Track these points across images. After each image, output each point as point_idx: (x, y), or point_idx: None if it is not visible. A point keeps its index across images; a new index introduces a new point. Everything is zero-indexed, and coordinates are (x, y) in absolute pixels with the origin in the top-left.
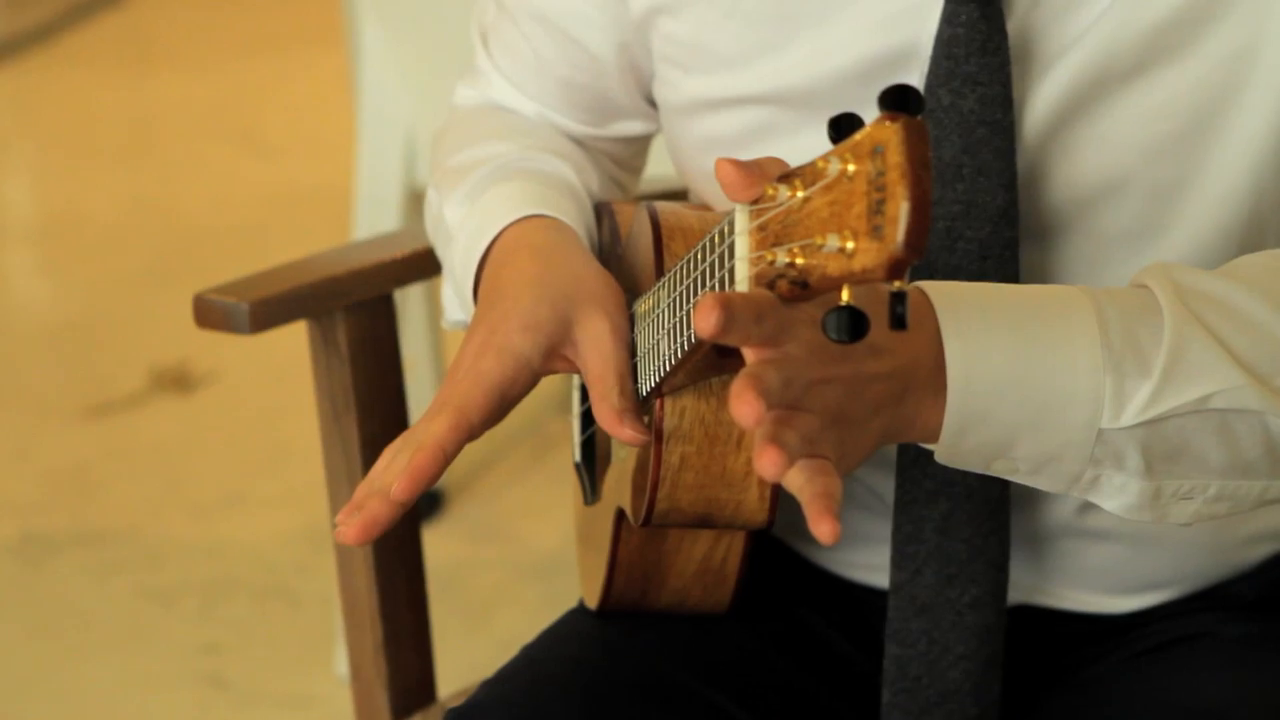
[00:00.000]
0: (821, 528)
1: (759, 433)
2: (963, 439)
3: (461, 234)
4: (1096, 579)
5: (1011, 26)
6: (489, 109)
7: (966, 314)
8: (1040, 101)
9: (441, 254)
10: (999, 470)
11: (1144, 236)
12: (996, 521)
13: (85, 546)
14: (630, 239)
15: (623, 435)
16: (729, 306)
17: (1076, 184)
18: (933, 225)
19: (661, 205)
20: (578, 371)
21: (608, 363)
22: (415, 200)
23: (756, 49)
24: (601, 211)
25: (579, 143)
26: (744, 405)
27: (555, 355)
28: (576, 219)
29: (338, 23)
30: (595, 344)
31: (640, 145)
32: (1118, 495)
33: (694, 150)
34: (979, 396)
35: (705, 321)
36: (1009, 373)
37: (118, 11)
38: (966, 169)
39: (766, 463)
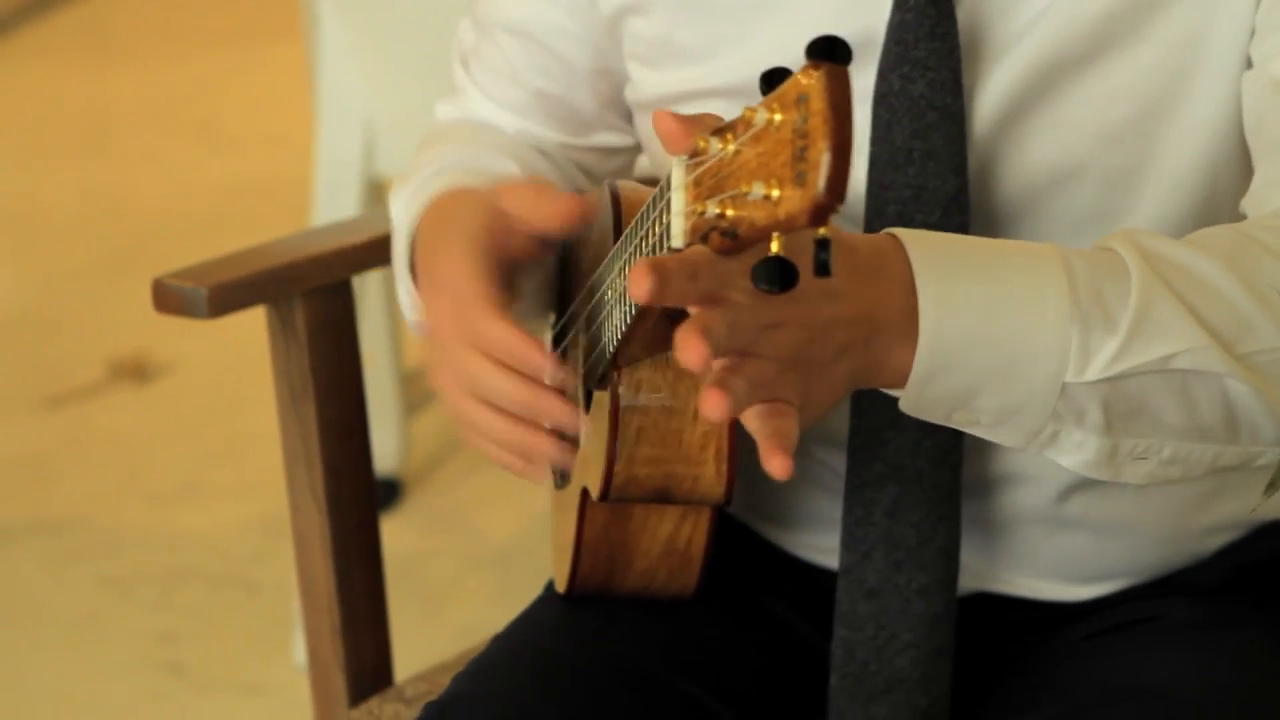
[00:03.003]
0: (773, 462)
1: (706, 378)
2: (929, 386)
3: (401, 228)
4: (1057, 567)
5: (961, 14)
6: (463, 122)
7: (940, 261)
8: (992, 89)
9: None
10: (960, 421)
11: (1099, 222)
12: (948, 508)
13: (42, 535)
14: (593, 216)
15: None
16: (660, 269)
17: (1030, 171)
18: (884, 210)
19: (623, 182)
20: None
21: (524, 191)
22: (374, 190)
23: (720, 43)
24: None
25: (551, 153)
26: (689, 349)
27: (504, 237)
28: None
29: (296, 15)
30: (522, 194)
31: (624, 159)
32: (1075, 451)
33: (664, 149)
34: (949, 343)
35: (639, 288)
36: (979, 322)
37: (77, 4)
38: (916, 153)
39: (708, 405)
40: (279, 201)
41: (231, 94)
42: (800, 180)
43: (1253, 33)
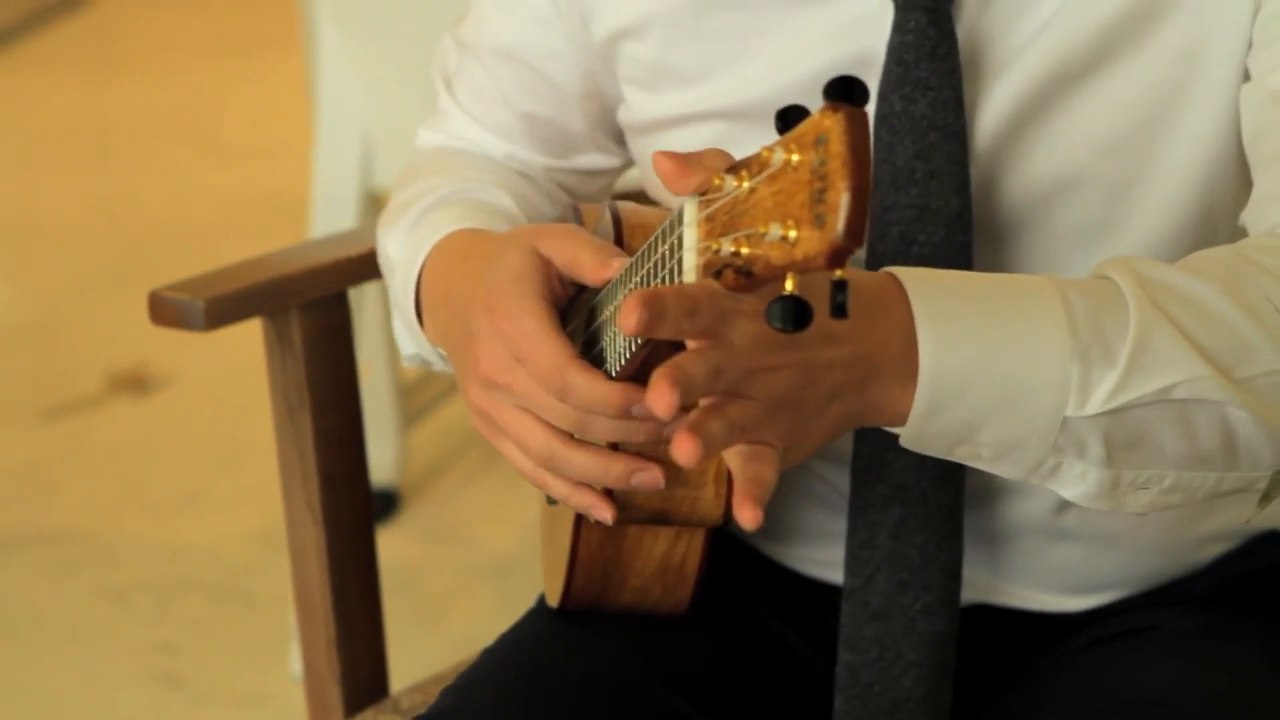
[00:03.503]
0: (743, 513)
1: (684, 420)
2: (929, 423)
3: (402, 264)
4: (1053, 579)
5: (961, 32)
6: (446, 150)
7: (939, 299)
8: (993, 105)
9: (389, 285)
10: (961, 455)
11: (1098, 234)
12: (950, 528)
13: (42, 546)
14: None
15: (607, 271)
16: (654, 304)
17: (1030, 183)
18: (887, 231)
19: (623, 204)
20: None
21: (577, 248)
22: (372, 202)
23: (716, 65)
24: (568, 213)
25: (536, 177)
26: (656, 395)
27: (553, 283)
28: None
29: (296, 26)
30: (561, 247)
31: (606, 180)
32: (1077, 483)
33: None
34: (948, 380)
35: (627, 320)
36: (979, 359)
37: (78, 16)
38: (919, 173)
39: (678, 449)
40: (279, 212)
41: (232, 105)
42: (819, 222)
43: (1250, 45)
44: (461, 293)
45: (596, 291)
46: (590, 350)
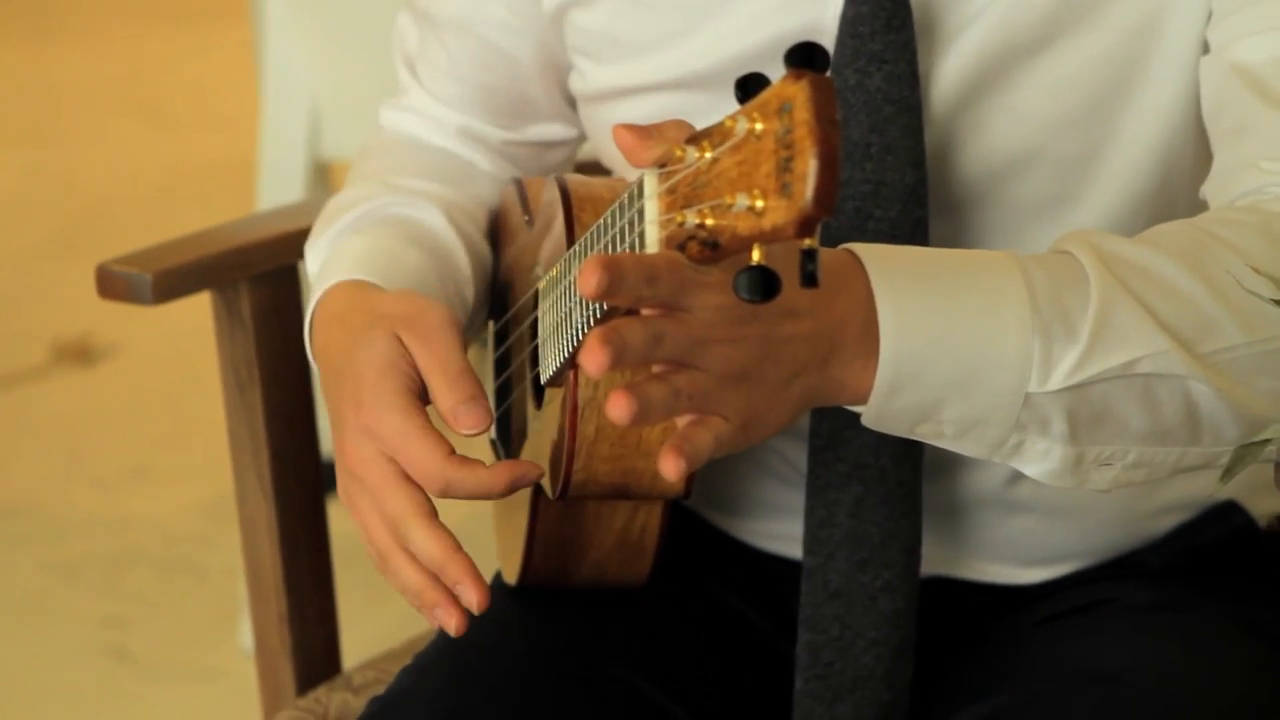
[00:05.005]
0: (666, 460)
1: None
2: (891, 401)
3: (315, 284)
4: (1009, 550)
5: (915, 1)
6: (397, 143)
7: (898, 277)
8: (946, 76)
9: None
10: (924, 434)
11: (1055, 208)
12: (909, 504)
13: None
14: (540, 211)
15: (461, 429)
16: (614, 268)
17: (986, 157)
18: (842, 206)
19: (570, 176)
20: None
21: (430, 363)
22: (319, 173)
23: (665, 35)
24: (513, 188)
25: (497, 149)
26: (588, 355)
27: (419, 381)
28: (416, 268)
29: None
30: (418, 352)
31: (565, 152)
32: (1040, 461)
33: (610, 137)
34: (910, 358)
35: (586, 283)
36: (940, 335)
37: None
38: (875, 148)
39: (610, 405)
40: (226, 182)
41: (178, 75)
42: (786, 191)
43: (1209, 16)
44: (333, 362)
45: (552, 271)
46: (542, 324)
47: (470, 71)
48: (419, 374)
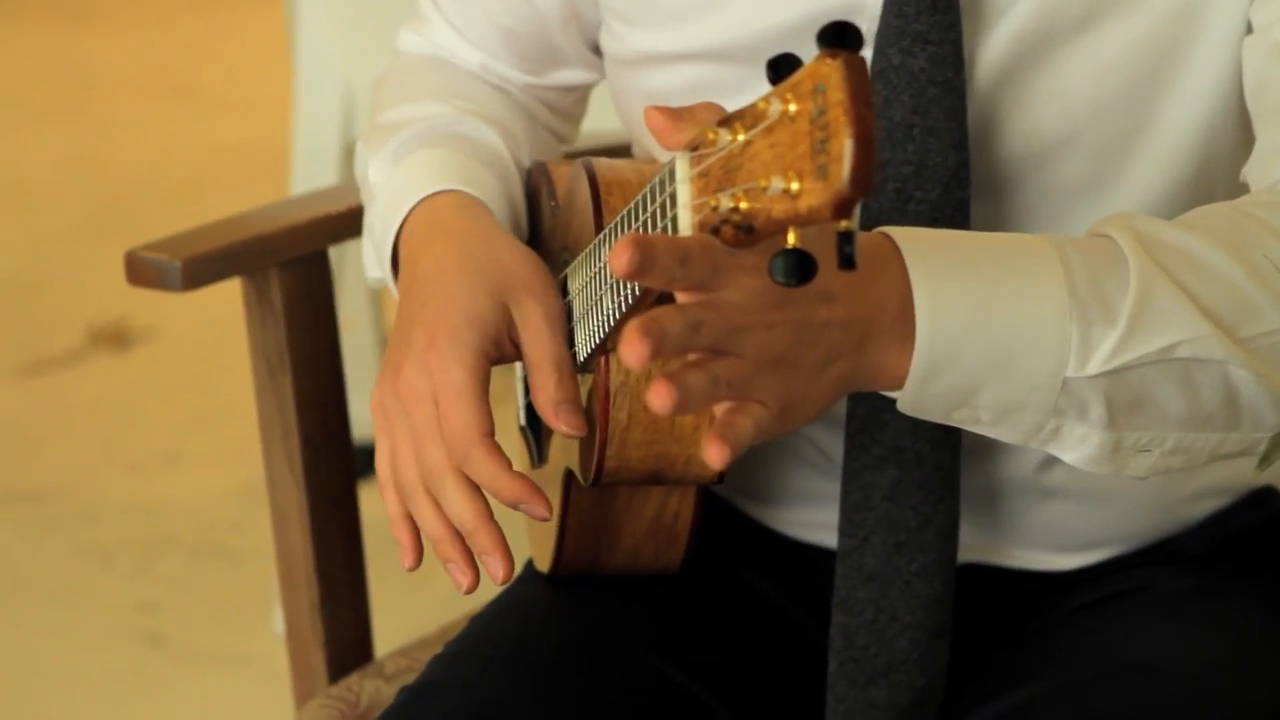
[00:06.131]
0: (709, 448)
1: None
2: (927, 386)
3: (382, 196)
4: (1045, 537)
5: None
6: (430, 62)
7: (934, 260)
8: (989, 57)
9: (365, 208)
10: (960, 419)
11: (1094, 190)
12: (946, 489)
13: (21, 504)
14: (568, 197)
15: (558, 427)
16: (647, 248)
17: (1026, 139)
18: (883, 187)
19: (598, 160)
20: (520, 360)
21: (544, 352)
22: (352, 156)
23: (701, 4)
24: (537, 172)
25: (519, 95)
26: (628, 347)
27: (501, 343)
28: (497, 193)
29: None
30: (532, 332)
31: (581, 94)
32: (1078, 447)
33: (638, 104)
34: (946, 342)
35: (618, 261)
36: (976, 319)
37: None
38: (917, 129)
39: (652, 395)
40: (259, 165)
41: (211, 58)
42: (822, 173)
43: None
44: (426, 277)
45: (581, 256)
46: (573, 311)
47: (496, 14)
48: (506, 339)
